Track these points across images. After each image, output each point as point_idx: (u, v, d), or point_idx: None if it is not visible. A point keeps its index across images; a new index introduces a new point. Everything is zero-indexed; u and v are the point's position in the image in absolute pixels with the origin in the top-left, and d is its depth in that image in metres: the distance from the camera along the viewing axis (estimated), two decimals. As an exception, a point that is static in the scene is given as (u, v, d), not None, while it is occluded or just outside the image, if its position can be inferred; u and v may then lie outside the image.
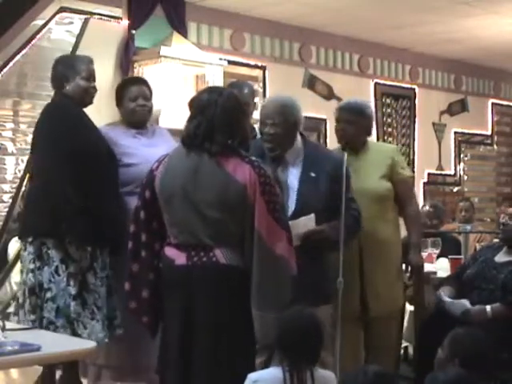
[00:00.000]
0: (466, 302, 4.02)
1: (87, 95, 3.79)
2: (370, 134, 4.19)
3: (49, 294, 3.60)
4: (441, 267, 5.08)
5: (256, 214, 2.98)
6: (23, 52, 5.57)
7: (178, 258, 3.07)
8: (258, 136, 4.21)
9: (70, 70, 3.75)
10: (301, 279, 3.08)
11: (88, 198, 3.58)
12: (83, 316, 3.58)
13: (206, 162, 3.04)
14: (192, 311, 3.02)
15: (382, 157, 4.12)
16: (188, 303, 3.03)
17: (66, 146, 3.61)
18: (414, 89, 8.68)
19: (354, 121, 4.06)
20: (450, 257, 5.17)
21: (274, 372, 2.77)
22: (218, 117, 3.05)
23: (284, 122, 3.54)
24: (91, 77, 3.80)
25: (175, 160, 3.13)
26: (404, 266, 4.24)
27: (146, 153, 3.83)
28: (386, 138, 8.23)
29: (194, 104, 3.15)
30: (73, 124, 3.68)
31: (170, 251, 3.12)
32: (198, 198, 3.02)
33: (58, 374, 3.80)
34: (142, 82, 4.20)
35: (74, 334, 3.53)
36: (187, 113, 3.22)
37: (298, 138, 3.66)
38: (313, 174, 3.55)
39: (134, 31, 6.16)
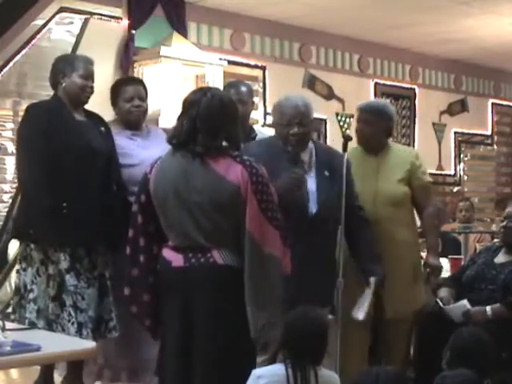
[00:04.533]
0: (465, 303, 4.01)
1: (83, 93, 3.73)
2: (390, 135, 4.16)
3: (31, 295, 3.61)
4: (441, 267, 5.08)
5: (247, 214, 2.96)
6: (23, 52, 5.57)
7: (175, 260, 3.06)
8: (258, 136, 4.22)
9: (68, 67, 3.73)
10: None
11: (60, 198, 3.54)
12: (61, 318, 3.57)
13: (195, 164, 3.02)
14: (191, 312, 3.01)
15: (402, 161, 4.09)
16: (186, 305, 3.02)
17: (36, 145, 3.58)
18: (413, 89, 8.69)
19: (372, 121, 4.03)
20: (450, 257, 5.17)
21: (278, 369, 2.77)
22: (200, 117, 3.01)
23: (309, 122, 3.60)
24: (89, 76, 3.75)
25: (166, 163, 3.11)
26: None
27: (141, 154, 3.80)
28: (385, 137, 8.21)
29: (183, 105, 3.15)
30: (45, 123, 3.61)
31: (167, 253, 3.10)
32: (190, 200, 3.00)
33: (57, 374, 3.85)
34: (137, 81, 4.15)
35: None
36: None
37: None
38: (326, 173, 3.60)
39: (134, 31, 6.17)
